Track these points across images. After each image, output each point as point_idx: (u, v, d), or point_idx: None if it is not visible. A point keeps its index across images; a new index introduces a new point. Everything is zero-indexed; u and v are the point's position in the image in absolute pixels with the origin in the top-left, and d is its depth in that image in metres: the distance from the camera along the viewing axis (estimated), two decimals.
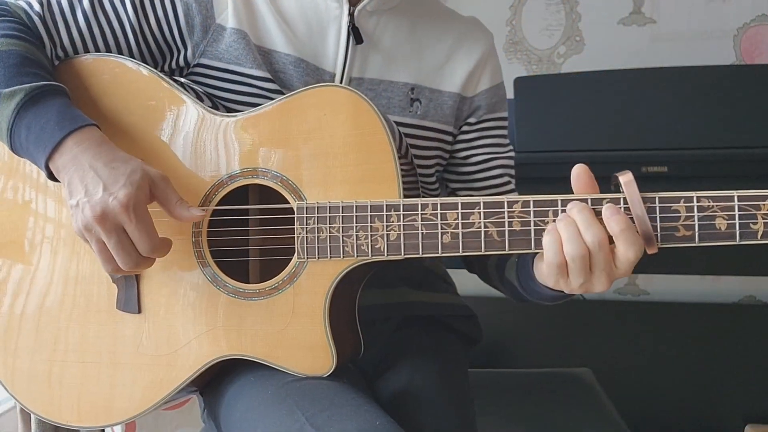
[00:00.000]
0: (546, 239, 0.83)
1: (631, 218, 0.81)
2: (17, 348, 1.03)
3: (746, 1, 2.25)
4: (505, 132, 1.22)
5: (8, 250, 1.05)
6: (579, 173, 0.84)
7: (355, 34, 1.08)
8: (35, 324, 1.03)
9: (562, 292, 0.89)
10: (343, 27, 1.08)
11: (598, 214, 0.82)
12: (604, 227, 0.81)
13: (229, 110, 1.06)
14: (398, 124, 1.10)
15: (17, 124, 0.91)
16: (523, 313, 2.27)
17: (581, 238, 0.81)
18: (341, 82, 1.08)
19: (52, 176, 0.92)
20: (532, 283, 0.94)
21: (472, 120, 1.18)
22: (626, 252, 0.80)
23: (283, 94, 1.05)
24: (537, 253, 0.90)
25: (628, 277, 2.37)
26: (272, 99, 1.04)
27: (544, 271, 0.86)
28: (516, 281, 1.02)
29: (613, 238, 0.81)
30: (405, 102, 1.11)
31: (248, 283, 0.97)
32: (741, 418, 2.11)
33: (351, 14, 1.07)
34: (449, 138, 1.17)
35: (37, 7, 1.02)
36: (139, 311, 0.99)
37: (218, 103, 1.08)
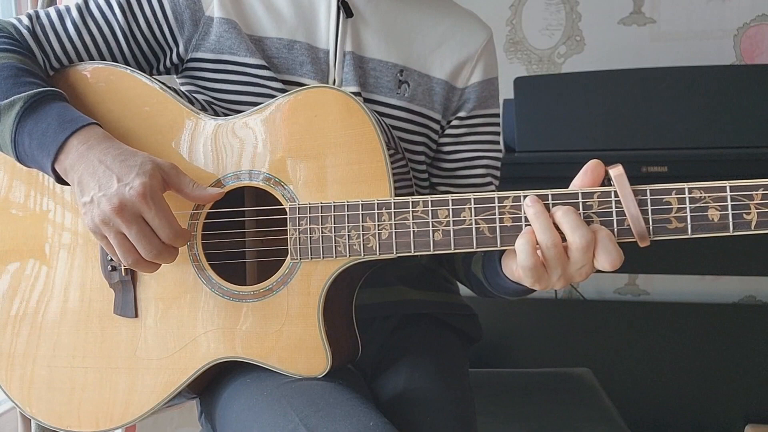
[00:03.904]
0: (519, 242, 0.82)
1: (622, 210, 0.80)
2: (14, 355, 1.04)
3: (746, 1, 2.25)
4: (494, 129, 1.21)
5: (10, 258, 1.06)
6: (593, 170, 0.83)
7: (344, 7, 1.08)
8: (35, 330, 1.03)
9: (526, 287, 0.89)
10: (332, 0, 1.08)
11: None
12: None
13: (225, 101, 1.07)
14: (385, 105, 1.10)
15: (19, 133, 0.92)
16: (523, 313, 2.27)
17: (554, 229, 0.80)
18: (335, 57, 1.09)
19: (60, 179, 0.92)
20: (498, 278, 0.94)
21: (462, 114, 1.17)
22: (603, 263, 0.80)
23: (277, 81, 1.06)
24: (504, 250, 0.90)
25: (628, 276, 2.37)
26: (267, 87, 1.06)
27: (520, 273, 0.85)
28: (481, 275, 1.02)
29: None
30: (393, 83, 1.11)
31: (245, 285, 0.97)
32: (741, 418, 2.10)
33: None
34: (436, 126, 1.16)
35: (26, 21, 1.03)
36: (136, 315, 0.99)
37: (213, 98, 1.08)
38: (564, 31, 2.42)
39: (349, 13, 1.09)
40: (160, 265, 0.91)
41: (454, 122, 1.17)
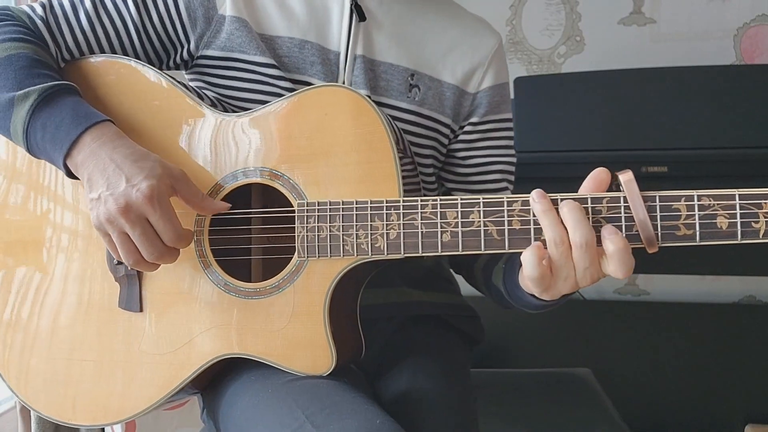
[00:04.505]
0: (525, 254, 0.81)
1: (631, 216, 0.80)
2: (13, 345, 1.04)
3: (746, 1, 2.26)
4: (507, 134, 1.20)
5: (13, 250, 1.06)
6: (595, 177, 0.83)
7: (357, 11, 1.08)
8: (34, 323, 1.03)
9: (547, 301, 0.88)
10: (345, 3, 1.08)
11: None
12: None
13: (233, 99, 1.07)
14: (395, 108, 1.11)
15: (32, 125, 0.92)
16: (524, 313, 2.26)
17: (561, 225, 0.80)
18: (345, 60, 1.09)
19: (70, 174, 0.92)
20: (518, 291, 0.93)
21: (474, 119, 1.17)
22: (616, 272, 0.80)
23: (286, 80, 1.06)
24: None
25: (628, 276, 2.37)
26: (276, 86, 1.06)
27: (528, 284, 0.85)
28: (502, 287, 1.01)
29: (606, 255, 0.80)
30: (404, 87, 1.11)
31: (251, 282, 0.97)
32: (741, 418, 2.11)
33: None
34: (446, 131, 1.16)
35: (39, 11, 1.03)
36: (141, 310, 0.99)
37: (222, 94, 1.08)
38: (564, 31, 2.42)
39: (362, 17, 1.09)
40: (160, 265, 0.91)
41: (467, 128, 1.17)
